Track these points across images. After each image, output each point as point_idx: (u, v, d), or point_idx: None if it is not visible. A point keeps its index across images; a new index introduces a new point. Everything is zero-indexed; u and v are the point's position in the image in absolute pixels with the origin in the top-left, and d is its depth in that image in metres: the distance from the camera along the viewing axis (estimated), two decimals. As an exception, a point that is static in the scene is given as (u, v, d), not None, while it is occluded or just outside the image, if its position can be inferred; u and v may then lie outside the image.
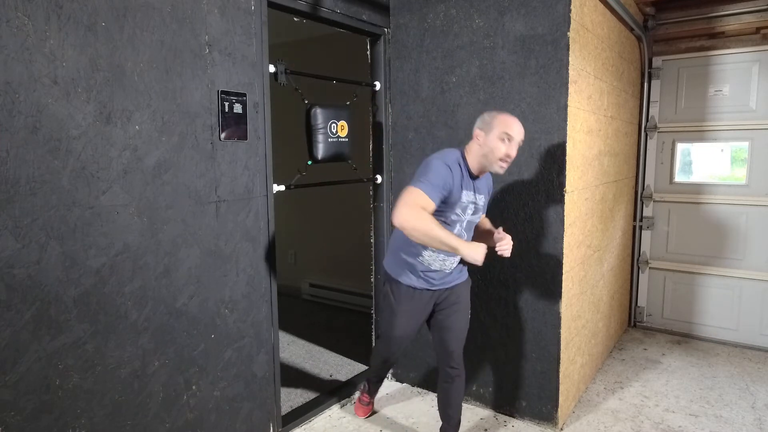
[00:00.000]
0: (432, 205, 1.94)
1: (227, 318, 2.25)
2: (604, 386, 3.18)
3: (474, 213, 2.18)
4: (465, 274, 2.37)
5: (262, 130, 2.33)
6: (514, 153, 2.04)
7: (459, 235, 2.12)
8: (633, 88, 3.80)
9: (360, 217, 3.85)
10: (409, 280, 2.24)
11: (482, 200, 2.21)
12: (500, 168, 2.05)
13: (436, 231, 1.88)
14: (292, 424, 2.68)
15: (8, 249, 1.57)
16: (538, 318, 2.66)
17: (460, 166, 2.07)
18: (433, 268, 2.20)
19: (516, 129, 2.03)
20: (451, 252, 1.97)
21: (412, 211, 1.88)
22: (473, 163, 2.10)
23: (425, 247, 2.14)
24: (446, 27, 2.79)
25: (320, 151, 2.68)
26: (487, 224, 2.35)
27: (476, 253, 1.92)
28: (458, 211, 2.10)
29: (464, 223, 2.16)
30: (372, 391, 2.81)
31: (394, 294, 2.29)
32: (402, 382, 3.21)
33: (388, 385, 3.19)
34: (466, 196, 2.10)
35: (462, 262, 2.26)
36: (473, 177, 2.13)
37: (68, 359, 1.73)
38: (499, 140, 2.02)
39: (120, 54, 1.80)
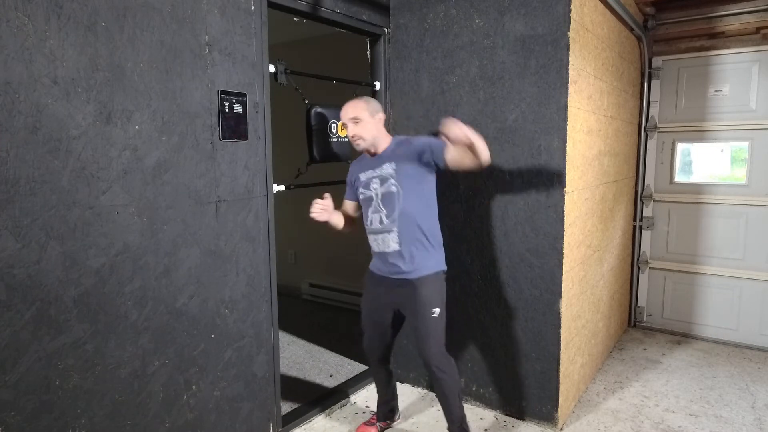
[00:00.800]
0: (349, 203, 2.51)
1: (227, 318, 2.25)
2: (604, 386, 3.18)
3: (382, 184, 2.29)
4: (423, 270, 2.28)
5: (262, 130, 2.33)
6: (351, 132, 2.30)
7: (376, 209, 2.32)
8: (633, 88, 3.80)
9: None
10: (372, 264, 2.47)
11: (388, 168, 2.29)
12: (356, 146, 2.35)
13: None
14: (292, 424, 2.68)
15: (8, 249, 1.57)
16: (538, 318, 2.66)
17: (364, 155, 2.41)
18: (375, 249, 2.38)
19: (342, 114, 2.33)
20: (369, 228, 2.34)
21: None
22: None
23: (367, 232, 2.39)
24: (446, 27, 2.79)
25: (320, 151, 2.68)
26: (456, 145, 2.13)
27: None
28: (362, 189, 2.37)
29: (378, 197, 2.31)
30: (379, 411, 2.70)
31: (365, 281, 2.53)
32: (402, 382, 3.21)
33: (388, 385, 3.20)
34: (365, 175, 2.36)
35: (411, 258, 2.27)
36: (373, 156, 2.36)
37: (68, 359, 1.73)
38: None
39: (120, 54, 1.80)
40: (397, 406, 2.76)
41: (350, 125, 2.29)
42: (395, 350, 3.21)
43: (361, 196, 2.38)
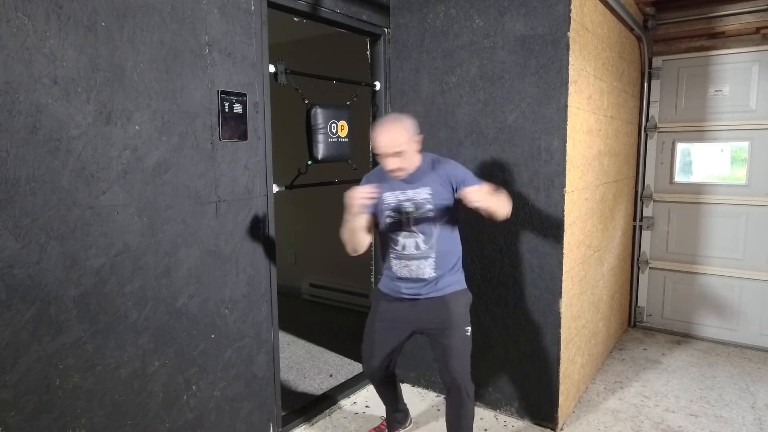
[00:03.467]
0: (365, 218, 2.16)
1: (227, 318, 2.25)
2: (604, 386, 3.18)
3: (418, 209, 2.09)
4: (452, 287, 2.18)
5: (262, 130, 2.33)
6: (391, 165, 2.04)
7: (411, 235, 2.11)
8: (633, 88, 3.80)
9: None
10: (383, 285, 2.28)
11: (424, 193, 2.09)
12: (395, 177, 2.10)
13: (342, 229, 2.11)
14: (292, 424, 2.68)
15: (8, 249, 1.57)
16: (538, 318, 2.66)
17: (379, 174, 2.18)
18: (402, 275, 2.17)
19: (379, 144, 2.03)
20: (400, 253, 2.14)
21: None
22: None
23: (390, 256, 2.19)
24: (446, 27, 2.79)
25: (320, 151, 2.68)
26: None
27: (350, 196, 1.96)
28: (389, 212, 2.14)
29: (411, 222, 2.10)
30: (389, 421, 2.62)
31: (372, 300, 2.35)
32: (402, 382, 3.20)
33: (388, 385, 3.20)
34: (393, 196, 2.13)
35: (442, 279, 2.14)
36: (401, 176, 2.10)
37: (68, 359, 1.73)
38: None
39: (120, 54, 1.80)
40: (408, 411, 2.67)
41: (390, 158, 2.03)
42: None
43: (388, 219, 2.14)
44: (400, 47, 2.98)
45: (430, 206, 2.09)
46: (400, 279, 2.18)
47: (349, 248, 2.16)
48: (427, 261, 2.12)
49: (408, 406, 2.68)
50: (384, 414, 2.65)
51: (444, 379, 2.20)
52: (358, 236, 2.11)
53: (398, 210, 2.13)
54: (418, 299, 2.17)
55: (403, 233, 2.13)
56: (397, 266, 2.18)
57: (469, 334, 2.18)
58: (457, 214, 2.16)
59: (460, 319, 2.15)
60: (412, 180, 2.12)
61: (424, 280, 2.14)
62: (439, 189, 2.10)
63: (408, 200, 2.11)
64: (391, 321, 2.25)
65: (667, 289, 4.09)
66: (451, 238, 2.17)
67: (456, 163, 2.20)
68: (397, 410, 2.58)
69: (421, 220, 2.10)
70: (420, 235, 2.11)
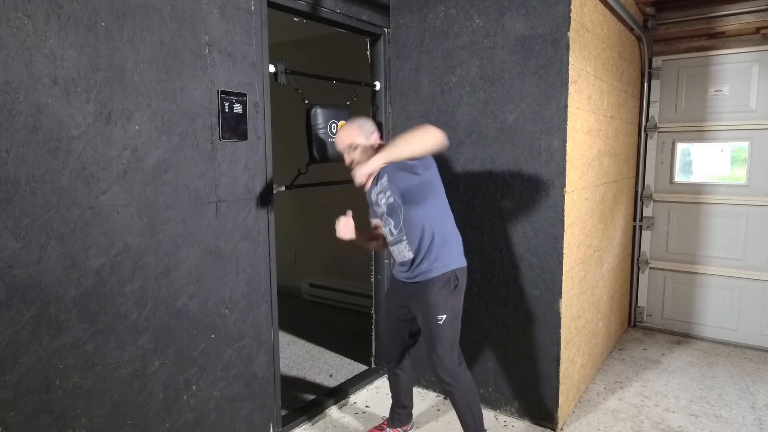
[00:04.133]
0: (374, 221, 2.47)
1: (227, 318, 2.25)
2: (604, 386, 3.18)
3: (386, 198, 2.26)
4: (430, 273, 2.21)
5: (262, 130, 2.33)
6: (348, 160, 2.25)
7: (386, 223, 2.31)
8: (633, 88, 3.80)
9: (360, 217, 3.84)
10: (393, 269, 2.45)
11: (384, 181, 2.26)
12: (354, 174, 2.10)
13: None
14: (292, 424, 2.68)
15: (8, 249, 1.57)
16: (538, 318, 2.66)
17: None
18: (396, 260, 2.35)
19: (338, 142, 2.29)
20: (388, 241, 2.31)
21: None
22: None
23: (388, 244, 2.37)
24: (446, 27, 2.79)
25: (320, 151, 2.68)
26: None
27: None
28: (375, 207, 2.36)
29: (385, 211, 2.28)
30: (391, 414, 2.64)
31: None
32: (402, 382, 3.20)
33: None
34: (374, 193, 2.34)
35: (423, 262, 2.21)
36: (378, 177, 2.29)
37: (68, 359, 1.73)
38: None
39: (120, 54, 1.80)
40: (412, 415, 2.66)
41: (347, 153, 2.24)
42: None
43: (378, 213, 2.36)
44: (400, 47, 2.98)
45: (389, 192, 2.24)
46: (397, 263, 2.37)
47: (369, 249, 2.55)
48: (402, 244, 2.26)
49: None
50: (385, 414, 2.65)
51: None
52: (371, 245, 2.50)
53: (377, 203, 2.32)
54: (407, 283, 2.31)
55: (384, 222, 2.33)
56: (392, 253, 2.36)
57: (441, 322, 2.18)
58: (422, 188, 2.19)
59: (431, 307, 2.20)
60: (379, 174, 2.28)
61: (407, 262, 2.27)
62: (394, 173, 2.21)
63: (380, 192, 2.29)
64: (392, 302, 2.45)
65: (667, 289, 4.09)
66: (421, 215, 2.20)
67: None
68: (401, 406, 2.60)
69: (389, 207, 2.26)
70: (390, 220, 2.28)
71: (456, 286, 2.22)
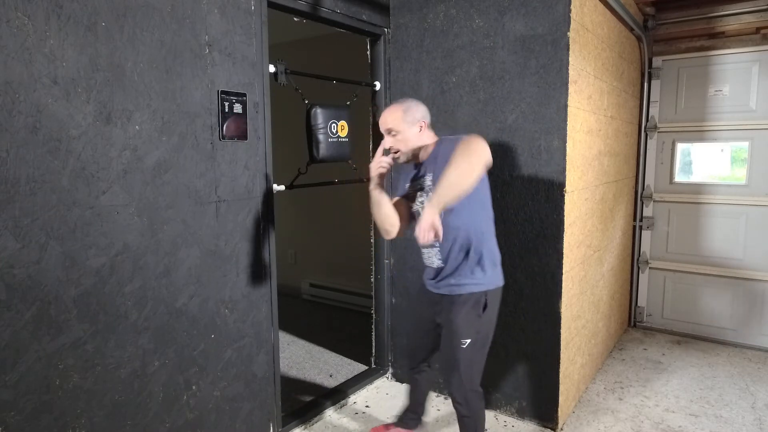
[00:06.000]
0: (397, 200, 2.18)
1: (227, 318, 2.25)
2: (604, 386, 3.18)
3: (425, 196, 2.05)
4: (457, 289, 2.05)
5: (262, 130, 2.33)
6: (387, 144, 2.07)
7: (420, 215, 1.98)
8: (633, 88, 3.80)
9: (360, 217, 3.85)
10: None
11: (428, 180, 2.05)
12: (396, 160, 2.10)
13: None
14: (292, 424, 2.68)
15: (8, 249, 1.57)
16: (538, 318, 2.66)
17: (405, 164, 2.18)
18: (425, 263, 2.18)
19: (380, 122, 2.09)
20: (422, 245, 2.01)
21: None
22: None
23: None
24: (446, 27, 2.79)
25: (320, 151, 2.68)
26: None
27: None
28: (410, 202, 2.17)
29: (418, 212, 2.11)
30: (400, 415, 2.55)
31: None
32: (402, 382, 3.20)
33: (389, 386, 3.20)
34: (410, 186, 2.16)
35: (452, 275, 2.05)
36: (416, 166, 2.14)
37: (68, 359, 1.73)
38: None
39: (120, 54, 1.80)
40: (422, 420, 2.53)
41: (387, 137, 2.06)
42: (396, 350, 3.22)
43: (413, 209, 2.16)
44: (400, 47, 2.98)
45: (431, 194, 1.91)
46: (426, 267, 2.19)
47: (381, 229, 2.13)
48: (432, 250, 2.08)
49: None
50: (385, 414, 2.64)
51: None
52: (382, 212, 2.09)
53: (413, 199, 2.15)
54: (435, 293, 2.14)
55: (415, 221, 2.04)
56: (423, 254, 2.17)
57: (464, 346, 2.01)
58: (469, 197, 1.89)
59: (455, 329, 2.02)
60: (421, 169, 2.10)
61: (435, 270, 2.11)
62: (439, 174, 1.91)
63: (418, 189, 2.10)
64: (421, 305, 2.28)
65: (667, 289, 4.09)
66: (455, 224, 1.98)
67: (455, 138, 1.96)
68: (411, 410, 2.49)
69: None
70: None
71: (485, 309, 2.02)
